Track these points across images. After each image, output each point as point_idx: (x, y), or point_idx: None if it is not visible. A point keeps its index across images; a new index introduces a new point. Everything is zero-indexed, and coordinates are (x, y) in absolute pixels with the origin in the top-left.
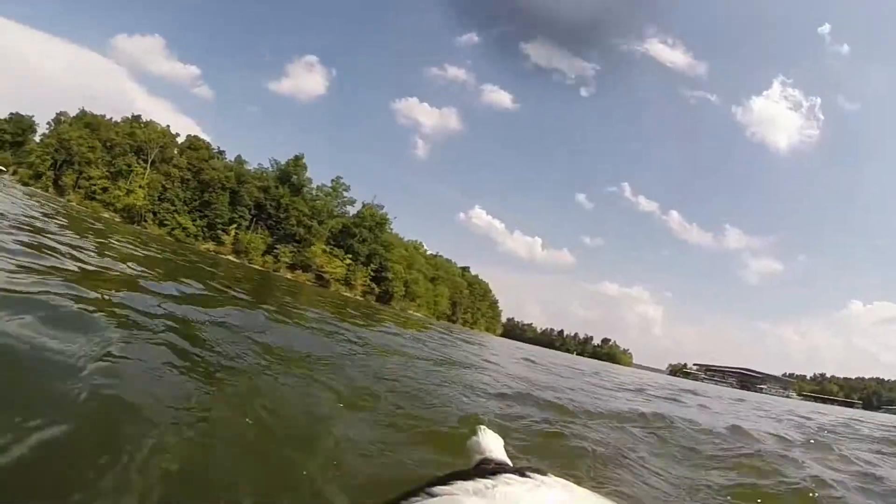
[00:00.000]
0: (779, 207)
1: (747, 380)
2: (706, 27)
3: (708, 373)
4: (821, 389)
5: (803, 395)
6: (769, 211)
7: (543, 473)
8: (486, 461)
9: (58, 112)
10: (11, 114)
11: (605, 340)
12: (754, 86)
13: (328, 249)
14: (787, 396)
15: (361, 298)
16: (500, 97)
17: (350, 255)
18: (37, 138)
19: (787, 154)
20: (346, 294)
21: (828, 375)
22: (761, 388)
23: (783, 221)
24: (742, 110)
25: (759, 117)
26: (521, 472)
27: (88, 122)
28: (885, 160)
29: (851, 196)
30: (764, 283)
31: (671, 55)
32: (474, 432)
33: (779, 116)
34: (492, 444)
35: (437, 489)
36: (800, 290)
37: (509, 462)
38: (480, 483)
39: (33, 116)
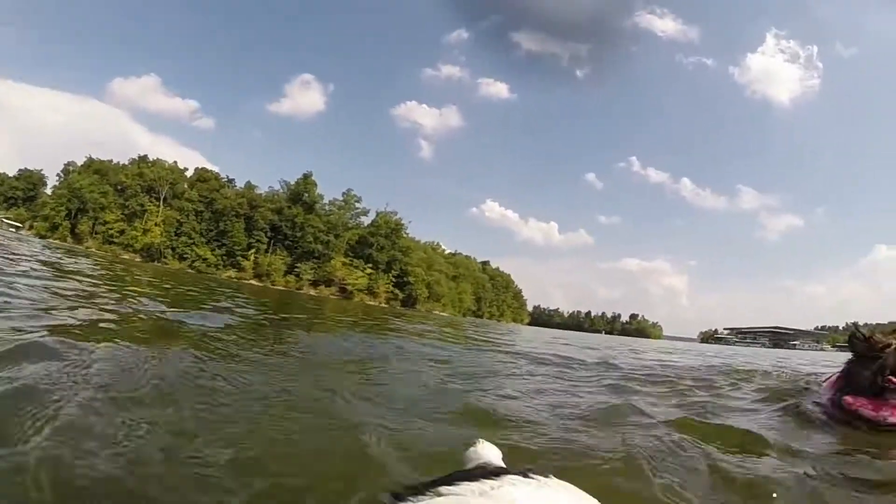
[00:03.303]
0: (790, 162)
1: (779, 338)
2: None
3: (739, 335)
4: None
5: (837, 346)
6: (781, 167)
7: (545, 475)
8: (485, 466)
9: (66, 163)
10: (20, 170)
11: (633, 316)
12: (748, 43)
13: (348, 261)
14: (822, 349)
15: (386, 305)
16: (498, 89)
17: (370, 265)
18: (48, 191)
19: (791, 107)
20: (370, 303)
21: (860, 324)
22: (794, 345)
23: (796, 176)
24: (739, 70)
25: (758, 74)
26: (523, 474)
27: (97, 169)
28: (891, 100)
29: (862, 140)
30: (785, 240)
31: (662, 24)
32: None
33: (777, 70)
34: (489, 453)
35: (444, 489)
36: (822, 243)
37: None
38: (486, 484)
39: (42, 170)
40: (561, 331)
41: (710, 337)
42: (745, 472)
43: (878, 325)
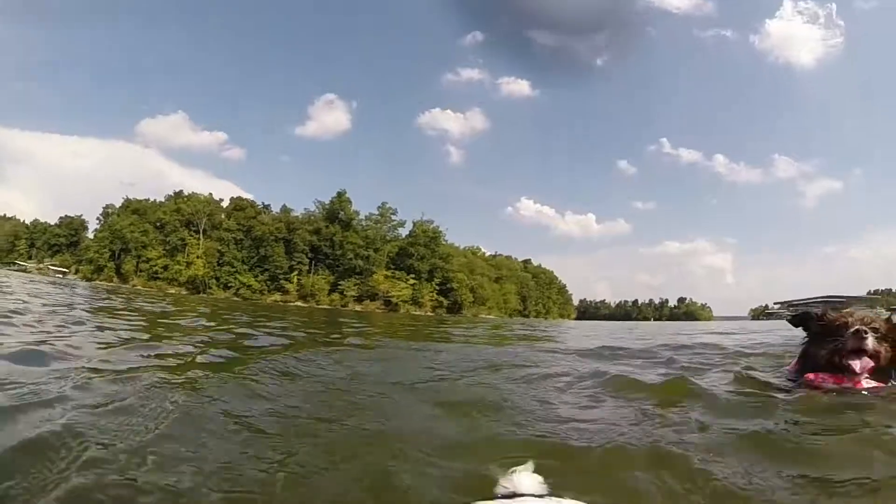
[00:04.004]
0: (822, 125)
1: (832, 307)
2: None
3: (790, 308)
4: None
5: (893, 309)
6: (813, 131)
7: (562, 497)
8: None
9: (104, 206)
10: (61, 218)
11: (681, 300)
12: (765, 8)
13: (390, 274)
14: (876, 314)
15: (432, 314)
16: (519, 87)
17: (412, 275)
18: (90, 235)
19: (816, 69)
20: (416, 313)
21: None
22: None
23: (830, 138)
24: (759, 38)
25: (779, 40)
26: (539, 497)
27: (135, 209)
28: None
29: (894, 93)
30: (825, 205)
31: (675, 0)
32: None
33: (798, 33)
34: (525, 483)
35: None
36: (863, 204)
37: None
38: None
39: (81, 215)
40: (608, 322)
41: (761, 313)
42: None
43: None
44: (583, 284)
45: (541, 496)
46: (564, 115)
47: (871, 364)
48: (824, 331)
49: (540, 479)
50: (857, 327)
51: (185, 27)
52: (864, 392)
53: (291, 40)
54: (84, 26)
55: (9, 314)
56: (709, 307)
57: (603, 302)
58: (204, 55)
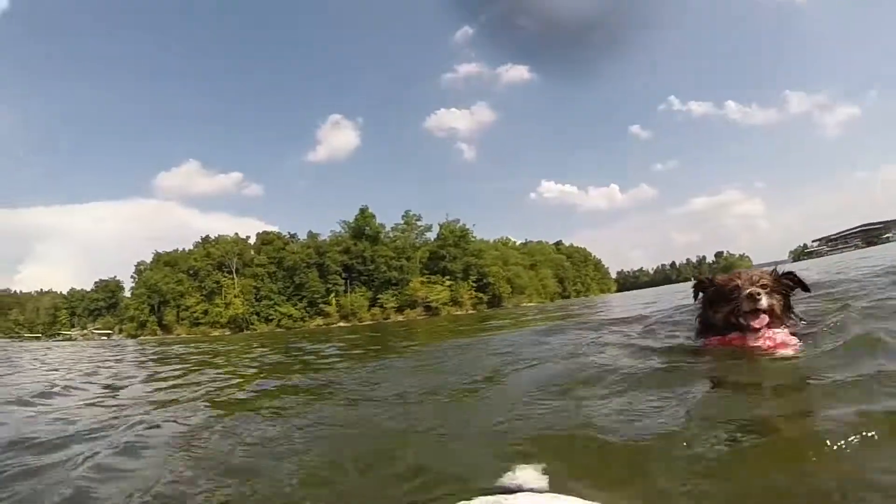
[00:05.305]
0: (828, 54)
1: (870, 235)
2: None
3: (829, 243)
4: None
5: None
6: (820, 62)
7: (566, 496)
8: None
9: (136, 263)
10: (96, 282)
11: (719, 254)
12: None
13: (425, 279)
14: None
15: (473, 311)
16: (518, 72)
17: (447, 277)
18: (126, 294)
19: None
20: (457, 313)
21: None
22: (888, 238)
23: (840, 65)
24: None
25: None
26: (539, 492)
27: (166, 261)
28: None
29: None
30: (848, 132)
31: None
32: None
33: None
34: (529, 479)
35: None
36: (885, 124)
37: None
38: (500, 497)
39: (116, 276)
40: (645, 290)
41: (801, 253)
42: None
43: None
44: (618, 256)
45: (541, 492)
46: (568, 92)
47: (768, 319)
48: (718, 295)
49: (544, 476)
50: (749, 290)
51: (182, 77)
52: (762, 347)
53: (288, 68)
54: (83, 86)
55: None
56: (748, 256)
57: (641, 270)
58: (204, 101)
